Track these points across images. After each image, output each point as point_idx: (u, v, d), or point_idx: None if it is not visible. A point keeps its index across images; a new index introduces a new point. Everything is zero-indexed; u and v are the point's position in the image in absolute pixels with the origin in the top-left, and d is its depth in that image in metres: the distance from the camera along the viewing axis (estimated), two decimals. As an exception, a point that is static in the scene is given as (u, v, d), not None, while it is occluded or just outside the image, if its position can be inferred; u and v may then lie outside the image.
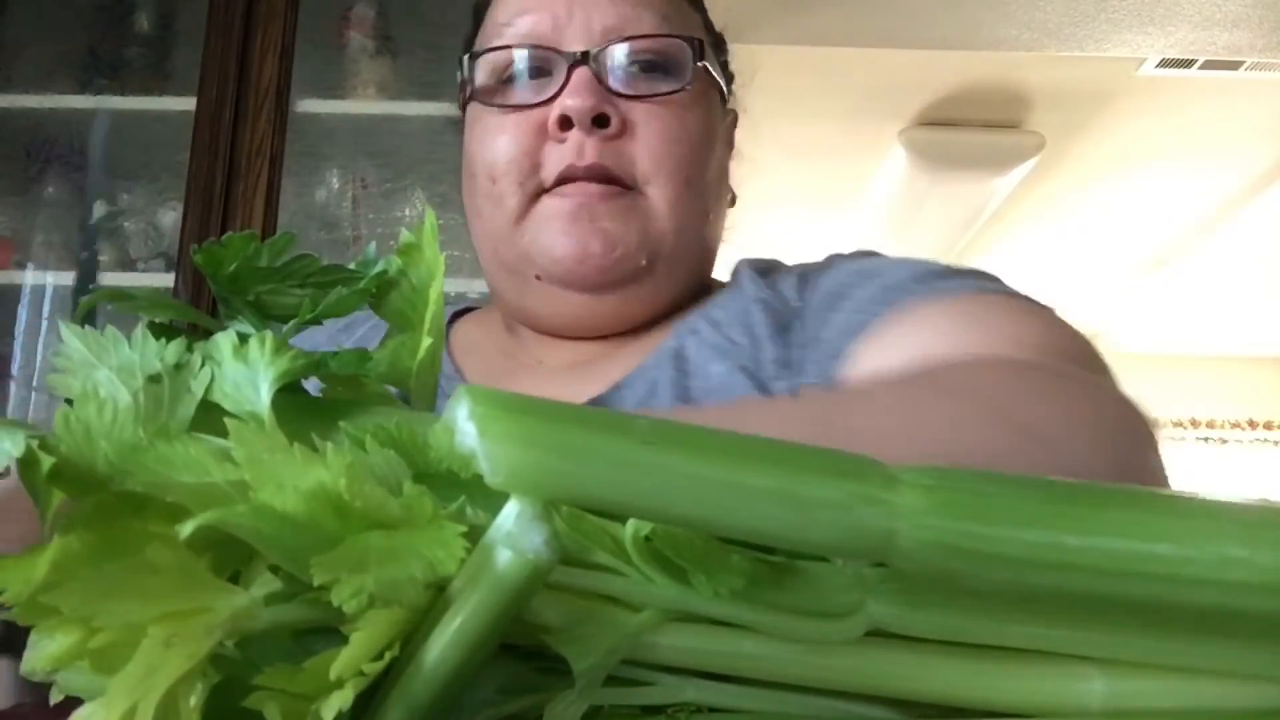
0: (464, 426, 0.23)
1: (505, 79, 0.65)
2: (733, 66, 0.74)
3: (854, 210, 3.36)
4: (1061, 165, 3.00)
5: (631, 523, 0.24)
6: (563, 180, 0.62)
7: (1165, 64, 2.43)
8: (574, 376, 0.65)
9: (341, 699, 0.20)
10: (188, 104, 1.62)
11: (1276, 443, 4.48)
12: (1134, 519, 0.23)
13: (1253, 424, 4.49)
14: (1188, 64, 2.42)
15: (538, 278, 0.64)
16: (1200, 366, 4.43)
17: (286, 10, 1.64)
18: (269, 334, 0.28)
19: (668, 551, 0.24)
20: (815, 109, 2.70)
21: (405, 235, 0.32)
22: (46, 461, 0.23)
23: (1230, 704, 0.25)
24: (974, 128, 2.83)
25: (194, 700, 0.21)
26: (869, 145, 2.94)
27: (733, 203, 0.73)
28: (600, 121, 0.61)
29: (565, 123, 0.61)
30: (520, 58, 0.64)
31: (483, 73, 0.66)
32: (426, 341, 0.30)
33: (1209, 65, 2.41)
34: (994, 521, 0.23)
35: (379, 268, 0.32)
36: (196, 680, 0.21)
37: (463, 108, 0.70)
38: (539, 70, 0.64)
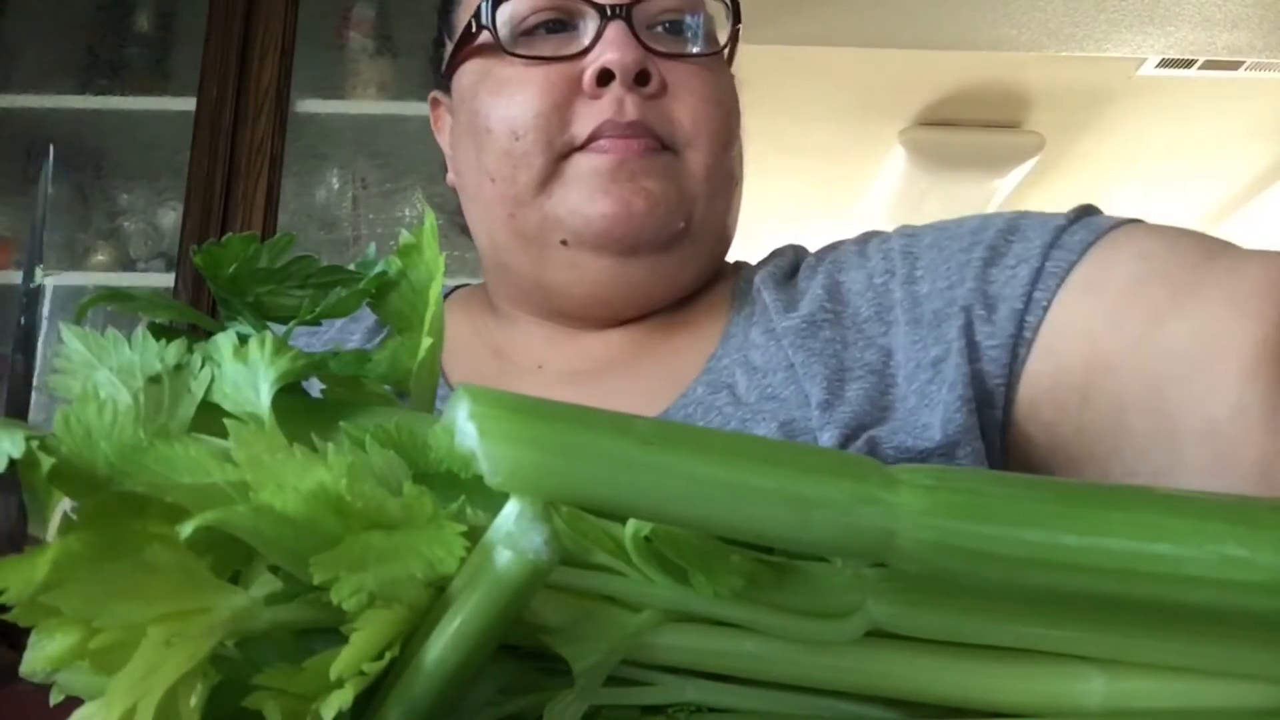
0: (464, 426, 0.23)
1: (523, 31, 0.61)
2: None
3: (854, 211, 3.36)
4: (1061, 165, 3.00)
5: (631, 523, 0.24)
6: (597, 136, 0.58)
7: (1165, 64, 2.43)
8: (580, 389, 0.62)
9: (341, 699, 0.20)
10: (188, 104, 1.62)
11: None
12: (1134, 519, 0.23)
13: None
14: (1188, 64, 2.42)
15: (564, 243, 0.59)
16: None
17: (286, 10, 1.64)
18: (269, 335, 0.28)
19: (668, 551, 0.24)
20: (815, 109, 2.70)
21: (405, 236, 0.32)
22: (46, 462, 0.23)
23: (1230, 704, 0.25)
24: (974, 128, 2.83)
25: (194, 700, 0.21)
26: (869, 145, 2.94)
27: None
28: (641, 79, 0.59)
29: (604, 78, 0.58)
30: (547, 7, 0.60)
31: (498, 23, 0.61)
32: (426, 342, 0.30)
33: (1209, 65, 2.42)
34: (993, 521, 0.23)
35: (379, 268, 0.32)
36: (196, 680, 0.21)
37: (448, 69, 0.66)
38: (562, 24, 0.60)
